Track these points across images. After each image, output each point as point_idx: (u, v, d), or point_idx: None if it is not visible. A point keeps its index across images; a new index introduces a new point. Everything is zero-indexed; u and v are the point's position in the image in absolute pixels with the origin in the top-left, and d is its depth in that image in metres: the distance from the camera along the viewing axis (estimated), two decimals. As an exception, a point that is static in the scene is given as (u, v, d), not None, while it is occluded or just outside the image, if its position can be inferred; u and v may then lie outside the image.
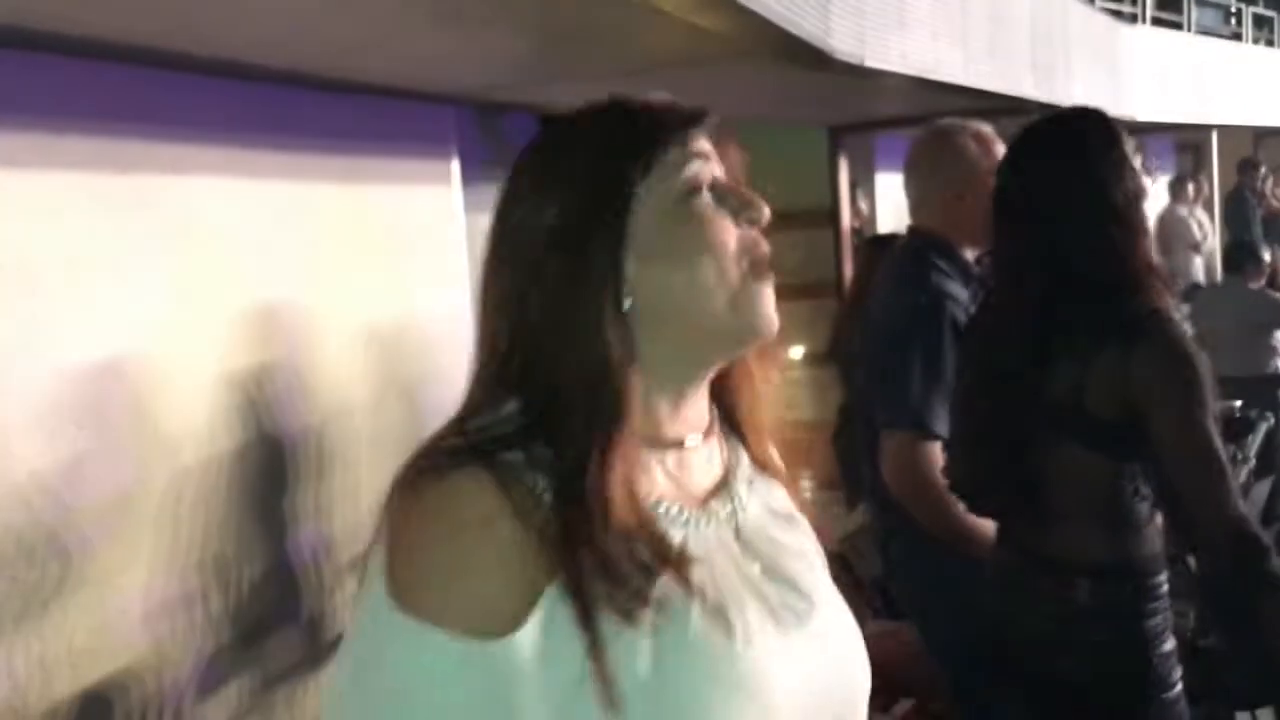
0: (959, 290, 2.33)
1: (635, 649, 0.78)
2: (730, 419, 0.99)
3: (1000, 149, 2.40)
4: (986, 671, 2.20)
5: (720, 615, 0.84)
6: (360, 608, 0.81)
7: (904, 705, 2.83)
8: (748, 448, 1.00)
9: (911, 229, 2.55)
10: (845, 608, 0.98)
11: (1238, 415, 4.41)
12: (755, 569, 0.91)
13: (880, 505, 2.52)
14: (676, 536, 0.87)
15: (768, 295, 0.91)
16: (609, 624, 0.78)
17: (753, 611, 0.87)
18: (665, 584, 0.82)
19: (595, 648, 0.77)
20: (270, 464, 3.19)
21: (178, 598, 2.84)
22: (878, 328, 2.46)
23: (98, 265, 2.70)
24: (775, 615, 0.89)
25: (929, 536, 2.31)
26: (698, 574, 0.85)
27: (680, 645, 0.81)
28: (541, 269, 0.87)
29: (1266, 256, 6.42)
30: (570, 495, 0.80)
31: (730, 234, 0.90)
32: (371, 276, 3.61)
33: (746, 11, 2.68)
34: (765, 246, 0.92)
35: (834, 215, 6.20)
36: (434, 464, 0.81)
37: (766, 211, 0.92)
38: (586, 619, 0.77)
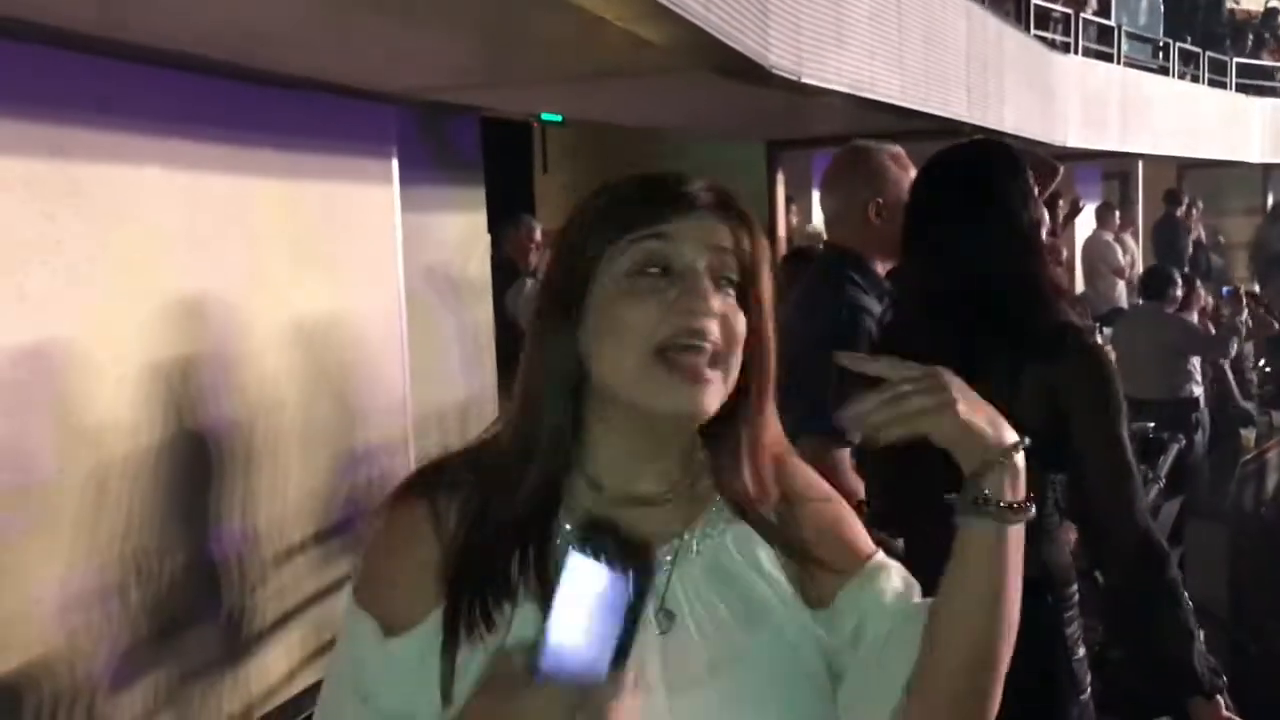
0: (873, 304, 2.39)
1: (470, 664, 0.92)
2: (724, 470, 1.02)
3: (914, 171, 2.48)
4: None
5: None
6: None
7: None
8: (740, 502, 1.01)
9: (828, 244, 2.60)
10: (764, 678, 0.96)
11: (1151, 436, 4.56)
12: (651, 625, 0.95)
13: None
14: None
15: (672, 381, 0.94)
16: (465, 637, 0.93)
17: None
18: (525, 613, 0.92)
19: (447, 652, 0.92)
20: (196, 457, 3.16)
21: (95, 590, 2.81)
22: (795, 338, 2.50)
23: (28, 251, 2.66)
24: (652, 677, 0.92)
25: None
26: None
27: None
28: (534, 323, 1.01)
29: (1180, 283, 6.63)
30: (477, 526, 0.96)
31: (645, 316, 0.94)
32: (305, 272, 3.59)
33: (686, 23, 2.73)
34: (696, 334, 0.94)
35: (770, 229, 6.29)
36: (400, 489, 0.99)
37: (706, 304, 0.95)
38: (451, 628, 0.93)
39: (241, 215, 3.34)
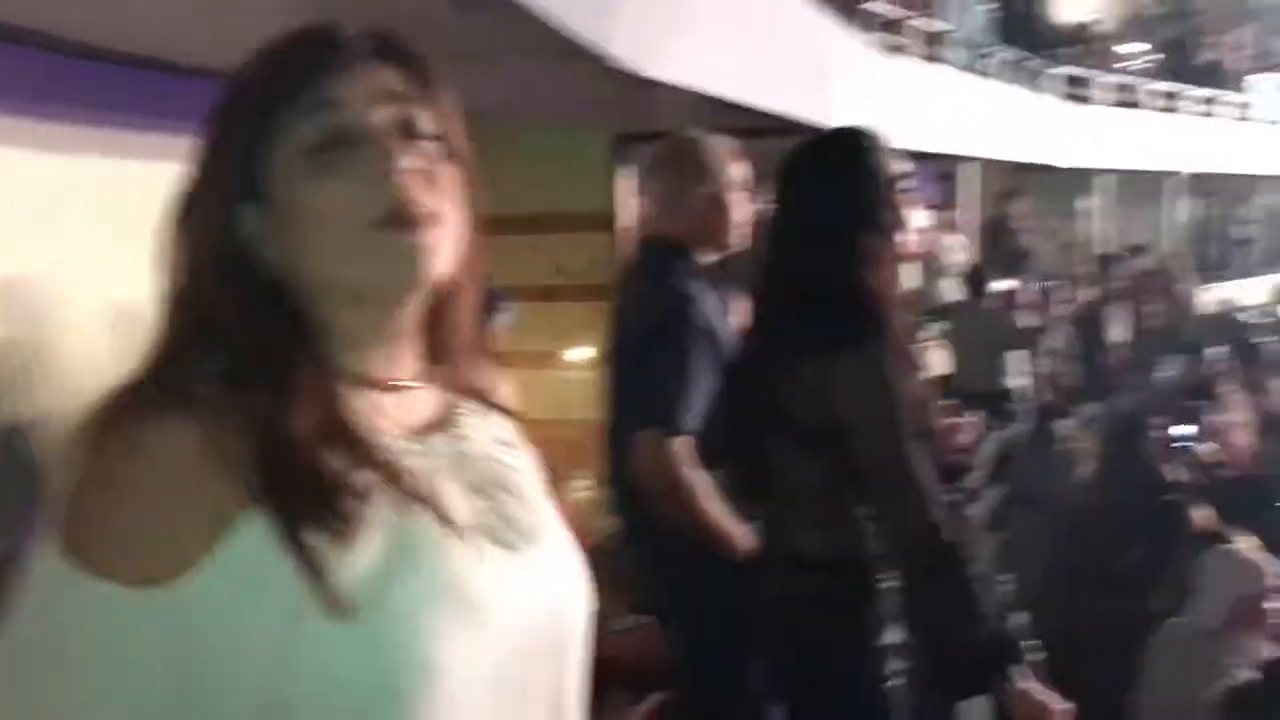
0: (700, 291, 2.42)
1: (353, 569, 0.79)
2: (446, 356, 0.95)
3: (738, 165, 2.52)
4: (728, 663, 2.30)
5: (446, 537, 0.85)
6: (31, 564, 0.81)
7: (654, 699, 2.89)
8: (466, 382, 0.97)
9: (649, 235, 2.61)
10: (568, 540, 0.98)
11: (974, 426, 4.78)
12: (478, 497, 0.91)
13: (628, 502, 2.55)
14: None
15: (393, 243, 0.84)
16: (322, 545, 0.79)
17: (476, 536, 0.88)
18: (386, 505, 0.83)
19: (308, 567, 0.78)
20: (4, 447, 2.99)
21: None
22: (627, 330, 2.52)
23: None
24: (499, 541, 0.90)
25: (674, 533, 2.36)
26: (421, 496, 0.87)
27: (404, 566, 0.82)
28: (187, 226, 0.86)
29: (999, 282, 6.95)
30: (270, 425, 0.81)
31: (338, 197, 0.84)
32: (124, 254, 3.42)
33: (522, 9, 2.70)
34: (399, 201, 0.83)
35: (612, 220, 6.30)
36: (134, 404, 0.82)
37: (395, 163, 0.84)
38: (293, 542, 0.78)
39: (54, 194, 3.17)
